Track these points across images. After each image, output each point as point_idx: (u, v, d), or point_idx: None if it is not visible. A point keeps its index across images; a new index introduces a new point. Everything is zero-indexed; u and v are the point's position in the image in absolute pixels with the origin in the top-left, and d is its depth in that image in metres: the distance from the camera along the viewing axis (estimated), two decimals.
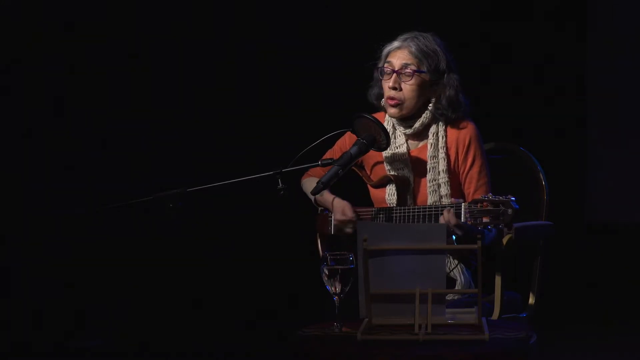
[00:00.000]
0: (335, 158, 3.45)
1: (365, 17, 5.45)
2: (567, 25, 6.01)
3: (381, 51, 3.49)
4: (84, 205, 4.89)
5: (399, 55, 3.42)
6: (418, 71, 3.40)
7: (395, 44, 3.44)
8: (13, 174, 4.86)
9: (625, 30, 6.09)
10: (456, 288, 3.37)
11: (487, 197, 3.12)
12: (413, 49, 3.41)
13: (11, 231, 4.84)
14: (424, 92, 3.44)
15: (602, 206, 6.16)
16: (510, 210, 3.08)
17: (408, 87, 3.41)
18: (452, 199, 3.31)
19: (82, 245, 4.95)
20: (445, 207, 3.25)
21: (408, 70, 3.40)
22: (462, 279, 3.39)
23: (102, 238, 4.97)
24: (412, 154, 3.49)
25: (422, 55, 3.41)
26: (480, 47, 5.73)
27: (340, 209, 3.49)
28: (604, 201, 6.16)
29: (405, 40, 3.44)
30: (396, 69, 3.41)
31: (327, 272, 2.87)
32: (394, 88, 3.41)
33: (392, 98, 3.43)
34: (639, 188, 6.08)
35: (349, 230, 3.48)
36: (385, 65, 3.44)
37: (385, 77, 3.44)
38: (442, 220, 3.22)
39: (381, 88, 3.49)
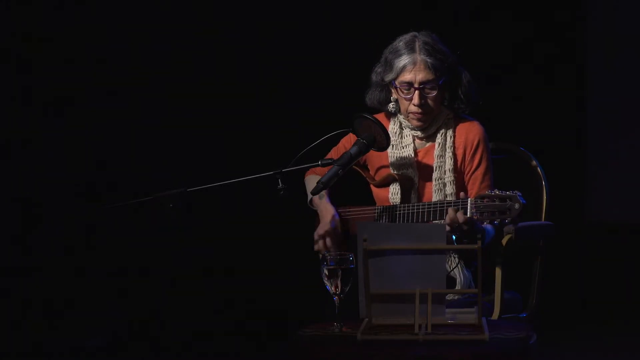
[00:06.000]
0: (338, 156, 3.46)
1: (365, 16, 5.44)
2: (566, 24, 6.01)
3: (389, 62, 3.43)
4: (85, 205, 4.90)
5: (415, 71, 3.38)
6: (439, 82, 3.40)
7: (407, 58, 3.39)
8: (13, 173, 4.86)
9: (625, 30, 6.09)
10: (456, 288, 3.37)
11: (494, 192, 3.12)
12: (429, 63, 3.37)
13: (11, 231, 4.84)
14: (444, 95, 3.45)
15: (602, 206, 6.16)
16: (517, 205, 3.08)
17: (432, 98, 3.41)
18: (461, 193, 3.29)
19: (82, 245, 4.96)
20: (450, 202, 3.25)
21: (430, 85, 3.39)
22: (462, 279, 3.39)
23: (102, 238, 4.97)
24: (420, 154, 3.50)
25: (438, 64, 3.38)
26: (480, 47, 5.72)
27: (322, 224, 3.49)
28: (604, 201, 6.16)
29: (412, 50, 3.40)
30: (417, 86, 3.38)
31: (327, 272, 2.87)
32: (421, 105, 3.41)
33: (419, 112, 3.43)
34: (639, 188, 6.08)
35: (317, 247, 3.47)
36: (402, 81, 3.40)
37: (405, 93, 3.41)
38: (448, 219, 3.21)
39: (388, 93, 3.49)
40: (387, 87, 3.49)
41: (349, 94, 3.71)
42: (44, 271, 4.90)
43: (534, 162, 3.70)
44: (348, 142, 3.62)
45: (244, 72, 5.36)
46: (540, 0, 5.94)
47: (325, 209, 3.52)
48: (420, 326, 2.77)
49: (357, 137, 3.43)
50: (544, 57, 5.96)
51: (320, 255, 3.51)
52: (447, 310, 2.90)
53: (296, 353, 2.80)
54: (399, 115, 3.52)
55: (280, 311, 5.24)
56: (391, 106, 3.50)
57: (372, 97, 3.53)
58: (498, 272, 3.35)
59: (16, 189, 4.87)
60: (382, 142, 3.41)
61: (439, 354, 2.64)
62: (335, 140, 3.61)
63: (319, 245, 3.45)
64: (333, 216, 3.48)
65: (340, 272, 2.86)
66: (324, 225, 3.46)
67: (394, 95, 3.48)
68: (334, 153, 3.61)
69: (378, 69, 3.49)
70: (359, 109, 3.50)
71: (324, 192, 3.50)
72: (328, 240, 3.43)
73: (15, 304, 4.85)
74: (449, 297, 3.33)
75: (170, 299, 5.21)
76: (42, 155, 4.93)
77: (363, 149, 3.41)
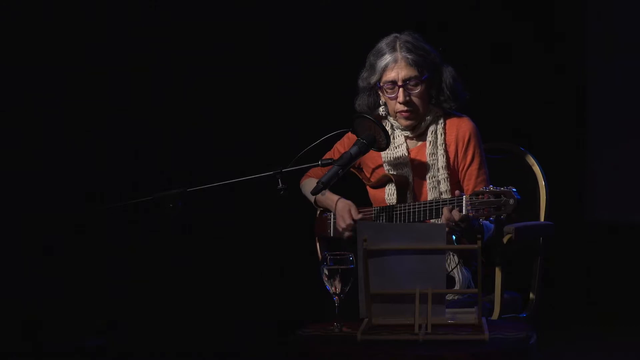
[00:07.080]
0: (334, 159, 3.46)
1: (364, 16, 5.44)
2: (566, 24, 6.01)
3: (372, 64, 3.46)
4: (84, 205, 4.89)
5: (397, 69, 3.42)
6: (423, 78, 3.40)
7: (389, 57, 3.43)
8: (13, 173, 4.86)
9: (625, 30, 6.09)
10: (455, 287, 3.37)
11: (488, 189, 3.12)
12: (410, 59, 3.40)
13: (11, 230, 4.84)
14: (430, 92, 3.45)
15: (602, 205, 6.16)
16: (512, 201, 3.09)
17: (417, 95, 3.42)
18: (456, 192, 3.29)
19: (82, 245, 4.95)
20: (445, 201, 3.25)
21: (414, 82, 3.41)
22: (462, 279, 3.39)
23: (102, 238, 4.97)
24: (412, 153, 3.50)
25: (420, 61, 3.41)
26: (480, 47, 5.73)
27: (340, 215, 3.49)
28: (604, 201, 6.15)
29: (393, 49, 3.43)
30: (400, 84, 3.41)
31: (327, 272, 2.87)
32: (406, 102, 3.42)
33: (405, 111, 3.43)
34: (639, 188, 6.08)
35: (347, 234, 3.49)
36: (385, 80, 3.44)
37: (390, 92, 3.44)
38: (444, 219, 3.22)
39: (377, 97, 3.50)
40: (374, 91, 3.51)
41: (349, 94, 3.71)
42: (43, 271, 4.90)
43: (534, 162, 3.70)
44: (342, 145, 3.63)
45: (244, 72, 5.35)
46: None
47: (331, 200, 3.55)
48: (420, 326, 2.77)
49: (357, 137, 3.44)
50: (544, 57, 5.96)
51: (320, 256, 3.52)
52: (447, 310, 2.90)
53: (296, 353, 2.80)
54: (389, 117, 3.54)
55: (281, 311, 5.24)
56: (381, 110, 3.52)
57: (361, 102, 3.55)
58: (498, 272, 3.35)
59: (16, 189, 4.86)
60: (382, 142, 3.42)
61: (439, 354, 2.65)
62: (334, 140, 3.61)
63: (347, 232, 3.48)
64: (339, 199, 3.51)
65: (340, 272, 2.86)
66: (340, 212, 3.48)
67: (382, 98, 3.50)
68: (329, 156, 3.62)
69: (364, 74, 3.52)
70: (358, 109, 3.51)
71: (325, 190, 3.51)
72: (349, 221, 3.47)
73: (14, 304, 4.85)
74: (449, 297, 3.33)
75: (169, 298, 5.21)
76: (42, 154, 4.92)
77: (363, 149, 3.42)
